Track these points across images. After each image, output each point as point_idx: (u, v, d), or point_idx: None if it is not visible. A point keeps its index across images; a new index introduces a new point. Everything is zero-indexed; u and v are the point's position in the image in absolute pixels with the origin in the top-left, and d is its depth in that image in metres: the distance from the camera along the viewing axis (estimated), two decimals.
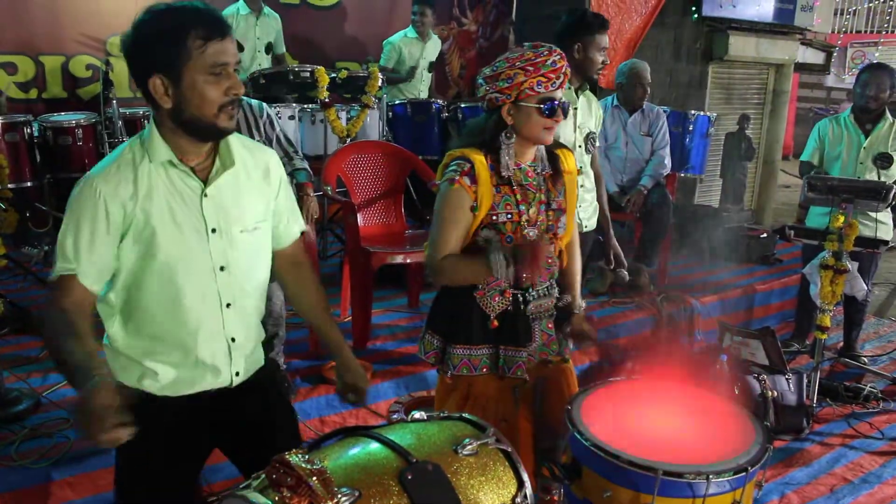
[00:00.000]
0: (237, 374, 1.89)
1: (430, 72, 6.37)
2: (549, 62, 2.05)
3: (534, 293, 2.19)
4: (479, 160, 2.10)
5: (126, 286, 1.75)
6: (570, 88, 3.25)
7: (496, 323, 2.16)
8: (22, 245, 4.78)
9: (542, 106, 2.06)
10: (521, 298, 2.17)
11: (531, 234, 2.14)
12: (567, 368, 2.35)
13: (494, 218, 2.11)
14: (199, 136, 1.73)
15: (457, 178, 2.08)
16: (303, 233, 2.07)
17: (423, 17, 6.13)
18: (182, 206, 1.73)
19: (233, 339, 1.85)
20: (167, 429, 1.81)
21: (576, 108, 3.31)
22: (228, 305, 1.82)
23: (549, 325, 2.27)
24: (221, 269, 1.79)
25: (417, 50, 6.21)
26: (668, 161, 4.87)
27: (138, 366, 1.81)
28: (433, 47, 6.34)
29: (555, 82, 2.06)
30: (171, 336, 1.78)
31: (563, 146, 2.28)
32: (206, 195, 1.75)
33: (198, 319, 1.79)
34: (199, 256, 1.76)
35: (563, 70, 2.07)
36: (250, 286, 1.88)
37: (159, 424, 1.78)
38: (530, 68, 2.04)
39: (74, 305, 1.66)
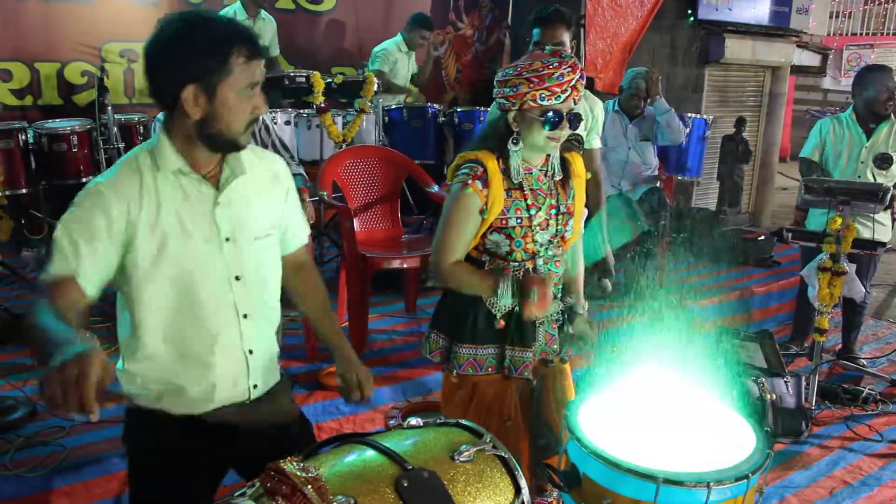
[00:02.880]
0: (255, 386, 1.87)
1: (413, 84, 6.39)
2: (555, 75, 2.02)
3: None
4: (492, 164, 2.11)
5: (143, 300, 1.70)
6: None
7: (503, 323, 2.17)
8: (24, 248, 4.77)
9: (543, 118, 2.05)
10: None
11: (541, 238, 2.16)
12: (565, 369, 2.36)
13: (504, 222, 2.13)
14: (217, 149, 1.72)
15: (469, 181, 2.09)
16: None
17: (426, 39, 6.11)
18: (193, 214, 1.71)
19: (250, 352, 1.83)
20: (183, 447, 1.79)
21: None
22: (245, 316, 1.80)
23: (553, 326, 2.29)
24: (237, 278, 1.77)
25: (405, 62, 6.19)
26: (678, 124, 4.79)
27: (156, 384, 1.77)
28: (413, 60, 6.34)
29: (560, 96, 2.03)
30: (188, 350, 1.75)
31: (573, 149, 2.29)
32: (218, 203, 1.74)
33: (215, 332, 1.76)
34: (213, 266, 1.74)
35: (573, 83, 2.04)
36: (266, 295, 1.87)
37: (175, 443, 1.78)
38: (535, 80, 2.03)
39: (67, 305, 1.55)
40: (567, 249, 2.29)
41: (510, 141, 2.10)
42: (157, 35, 1.63)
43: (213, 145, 1.70)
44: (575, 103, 2.09)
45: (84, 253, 1.60)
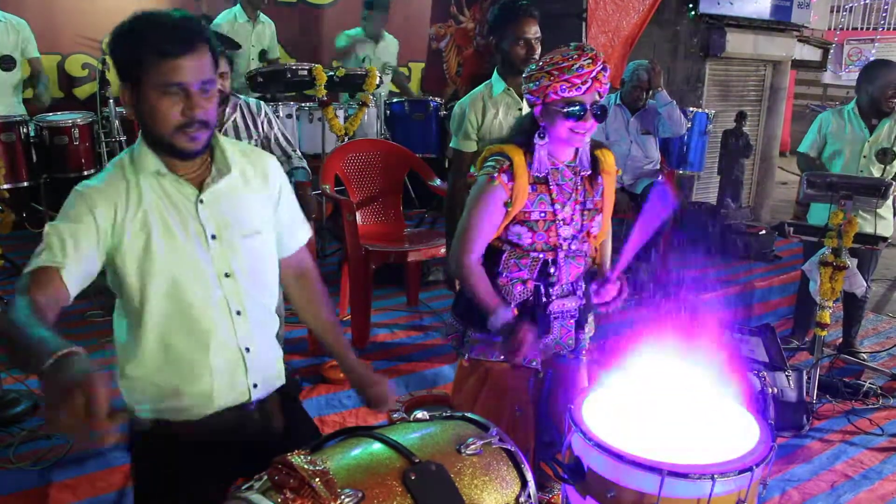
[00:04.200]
0: (255, 385, 1.83)
1: (385, 73, 6.20)
2: (574, 66, 2.05)
3: (558, 290, 2.23)
4: (518, 158, 2.13)
5: (136, 301, 1.70)
6: (508, 90, 3.13)
7: (515, 311, 2.19)
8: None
9: (565, 110, 2.07)
10: (542, 291, 2.22)
11: (565, 232, 2.18)
12: (580, 367, 2.37)
13: (527, 216, 2.16)
14: (167, 153, 1.68)
15: (495, 174, 2.12)
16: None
17: (371, 20, 5.91)
18: (176, 214, 1.70)
19: (247, 349, 1.81)
20: (189, 461, 1.77)
21: (520, 110, 3.13)
22: (238, 313, 1.78)
23: (570, 322, 2.30)
24: (227, 275, 1.75)
25: (369, 50, 6.08)
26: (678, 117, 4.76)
27: (155, 388, 1.76)
28: (386, 49, 6.13)
29: (580, 87, 2.06)
30: (185, 349, 1.74)
31: (603, 146, 2.30)
32: (201, 201, 1.72)
33: (208, 329, 1.74)
34: (200, 264, 1.72)
35: (594, 74, 2.06)
36: (258, 293, 1.84)
37: (180, 458, 1.76)
38: (556, 72, 2.06)
39: (48, 301, 1.51)
40: (594, 245, 2.31)
41: (536, 135, 2.13)
42: None
43: (158, 149, 1.68)
44: (600, 96, 2.11)
45: (70, 251, 1.59)
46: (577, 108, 2.07)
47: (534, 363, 2.24)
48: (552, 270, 2.19)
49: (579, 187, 2.21)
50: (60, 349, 1.23)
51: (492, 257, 2.23)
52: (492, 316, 2.12)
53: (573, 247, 2.22)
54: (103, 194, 1.65)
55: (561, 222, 2.17)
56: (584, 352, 2.37)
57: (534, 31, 3.05)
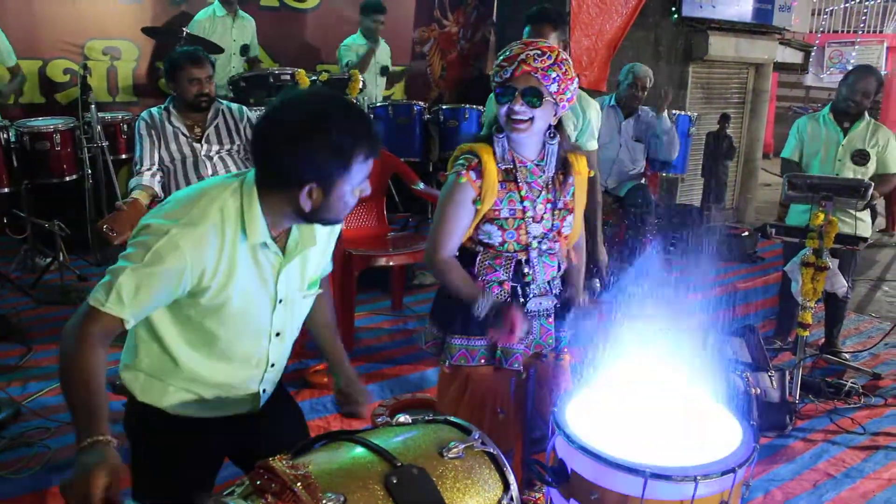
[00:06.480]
0: (264, 391, 1.91)
1: (382, 76, 6.28)
2: (507, 51, 2.08)
3: (534, 289, 2.23)
4: (487, 155, 2.12)
5: (183, 335, 1.72)
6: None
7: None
8: (37, 255, 4.72)
9: (496, 94, 2.11)
10: (520, 292, 2.21)
11: (535, 230, 2.18)
12: (561, 364, 2.38)
13: (497, 213, 2.15)
14: (311, 222, 1.71)
15: (463, 171, 2.11)
16: None
17: (378, 24, 5.94)
18: (259, 281, 1.71)
19: (263, 391, 1.90)
20: (180, 441, 1.82)
21: None
22: (273, 365, 1.86)
23: (549, 321, 2.30)
24: (277, 334, 1.81)
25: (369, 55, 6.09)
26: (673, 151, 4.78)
27: (162, 387, 1.78)
28: (383, 52, 6.17)
29: (507, 69, 2.05)
30: (207, 379, 1.78)
31: (577, 150, 2.30)
32: (282, 269, 1.74)
33: (242, 376, 1.82)
34: (260, 324, 1.77)
35: (520, 57, 2.04)
36: (291, 344, 1.91)
37: (171, 437, 1.81)
38: (496, 60, 2.10)
39: (102, 336, 1.56)
40: (566, 245, 2.29)
41: (494, 128, 2.14)
42: (282, 127, 1.57)
43: (312, 223, 1.71)
44: (540, 83, 2.04)
45: (141, 303, 1.57)
46: (500, 89, 2.07)
47: (516, 365, 2.22)
48: (526, 270, 2.19)
49: (550, 186, 2.20)
50: (93, 436, 1.40)
51: (466, 260, 2.22)
52: (477, 302, 2.10)
53: (544, 246, 2.21)
54: (198, 251, 1.58)
55: (531, 220, 2.17)
56: (565, 350, 2.37)
57: (536, 36, 3.11)
